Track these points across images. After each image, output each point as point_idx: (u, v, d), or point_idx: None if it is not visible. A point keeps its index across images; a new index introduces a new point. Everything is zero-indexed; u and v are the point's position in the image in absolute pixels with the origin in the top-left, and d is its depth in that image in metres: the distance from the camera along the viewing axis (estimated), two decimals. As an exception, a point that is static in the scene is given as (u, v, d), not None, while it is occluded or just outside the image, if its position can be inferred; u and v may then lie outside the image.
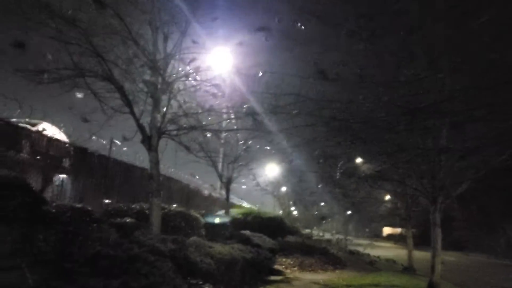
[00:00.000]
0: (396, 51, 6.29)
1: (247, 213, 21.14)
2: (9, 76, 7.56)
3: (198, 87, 10.17)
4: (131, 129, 9.92)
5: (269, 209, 33.16)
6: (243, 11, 9.69)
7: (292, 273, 14.53)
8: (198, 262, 7.94)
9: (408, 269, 18.98)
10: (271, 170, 28.03)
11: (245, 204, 34.31)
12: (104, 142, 13.02)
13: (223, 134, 15.61)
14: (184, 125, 10.62)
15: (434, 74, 6.28)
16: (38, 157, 10.83)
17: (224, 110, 11.26)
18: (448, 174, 11.02)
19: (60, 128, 12.06)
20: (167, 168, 18.17)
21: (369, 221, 49.45)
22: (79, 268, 5.28)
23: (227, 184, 18.10)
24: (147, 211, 10.34)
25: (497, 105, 6.93)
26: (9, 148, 10.02)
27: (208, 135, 13.96)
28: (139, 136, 9.81)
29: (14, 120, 11.03)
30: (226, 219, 16.29)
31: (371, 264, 21.25)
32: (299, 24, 7.40)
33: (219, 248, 9.67)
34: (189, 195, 21.49)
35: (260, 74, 7.99)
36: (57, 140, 11.46)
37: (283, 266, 15.44)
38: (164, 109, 9.86)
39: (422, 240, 26.18)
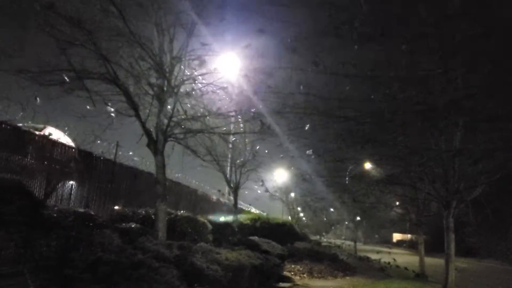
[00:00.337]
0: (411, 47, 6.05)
1: (256, 219, 20.99)
2: (12, 78, 7.43)
3: (204, 89, 9.99)
4: (137, 133, 9.80)
5: (277, 215, 32.94)
6: (251, 13, 9.52)
7: (301, 280, 14.27)
8: (204, 268, 7.70)
9: (420, 276, 18.59)
10: (280, 176, 27.81)
11: (254, 210, 34.06)
12: (112, 145, 12.85)
13: (232, 139, 15.45)
14: (191, 128, 10.47)
15: (451, 69, 6.04)
16: (43, 161, 10.71)
17: (232, 113, 11.07)
18: (463, 177, 10.72)
19: (64, 131, 11.94)
20: (174, 173, 18.03)
21: (379, 227, 48.92)
22: (80, 274, 5.08)
23: (235, 190, 17.95)
24: (153, 216, 10.17)
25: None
26: (14, 152, 9.92)
27: (216, 139, 13.80)
28: (145, 140, 9.67)
29: (20, 124, 10.94)
30: (229, 219, 16.26)
31: (382, 271, 20.83)
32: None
33: (226, 254, 9.46)
34: (197, 201, 21.30)
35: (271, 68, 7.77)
36: (62, 144, 11.33)
37: (292, 273, 15.17)
38: (170, 111, 9.68)
39: (432, 246, 25.73)
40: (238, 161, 17.48)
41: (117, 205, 12.93)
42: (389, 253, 28.59)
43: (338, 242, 43.14)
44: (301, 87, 6.90)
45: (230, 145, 16.43)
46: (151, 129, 9.70)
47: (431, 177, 11.54)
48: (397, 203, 25.47)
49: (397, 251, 43.06)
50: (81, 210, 7.77)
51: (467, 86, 6.49)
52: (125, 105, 9.25)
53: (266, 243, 14.59)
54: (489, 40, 5.84)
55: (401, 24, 6.09)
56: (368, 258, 26.85)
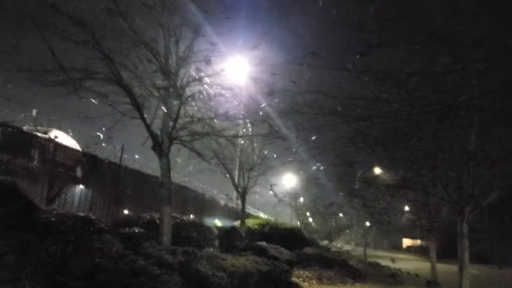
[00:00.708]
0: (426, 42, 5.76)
1: (264, 224, 20.68)
2: (12, 78, 7.27)
3: (211, 90, 9.76)
4: (142, 135, 9.60)
5: (286, 220, 32.59)
6: (256, 13, 9.30)
7: (310, 286, 13.96)
8: (209, 275, 7.43)
9: (432, 283, 18.17)
10: (289, 180, 27.51)
11: (262, 215, 33.76)
12: (117, 148, 12.67)
13: (240, 142, 15.22)
14: (197, 131, 10.25)
15: (472, 63, 5.74)
16: (48, 165, 10.56)
17: (239, 116, 10.82)
18: (478, 182, 10.33)
19: (68, 133, 11.81)
20: (181, 177, 17.84)
21: (388, 233, 48.38)
22: (75, 282, 4.82)
23: (242, 194, 17.71)
24: (157, 220, 9.94)
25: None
26: (18, 155, 9.78)
27: (223, 142, 13.56)
28: (150, 143, 9.46)
29: (25, 127, 10.82)
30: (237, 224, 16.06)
31: (392, 277, 20.39)
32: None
33: (232, 260, 9.20)
34: (204, 205, 21.08)
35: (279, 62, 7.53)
36: (67, 147, 11.18)
37: (301, 279, 14.82)
38: (175, 113, 9.46)
39: (443, 252, 25.18)
40: (246, 165, 17.24)
41: (122, 209, 12.73)
42: (393, 260, 28.21)
43: (348, 247, 42.67)
44: (300, 83, 6.63)
45: (238, 148, 16.17)
46: (157, 132, 9.50)
47: (445, 181, 11.15)
48: (408, 208, 25.05)
49: (407, 257, 42.48)
50: (81, 214, 7.52)
51: (485, 83, 6.18)
52: (130, 107, 9.06)
53: (274, 249, 14.32)
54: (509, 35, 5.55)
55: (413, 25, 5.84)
56: (378, 264, 26.37)
